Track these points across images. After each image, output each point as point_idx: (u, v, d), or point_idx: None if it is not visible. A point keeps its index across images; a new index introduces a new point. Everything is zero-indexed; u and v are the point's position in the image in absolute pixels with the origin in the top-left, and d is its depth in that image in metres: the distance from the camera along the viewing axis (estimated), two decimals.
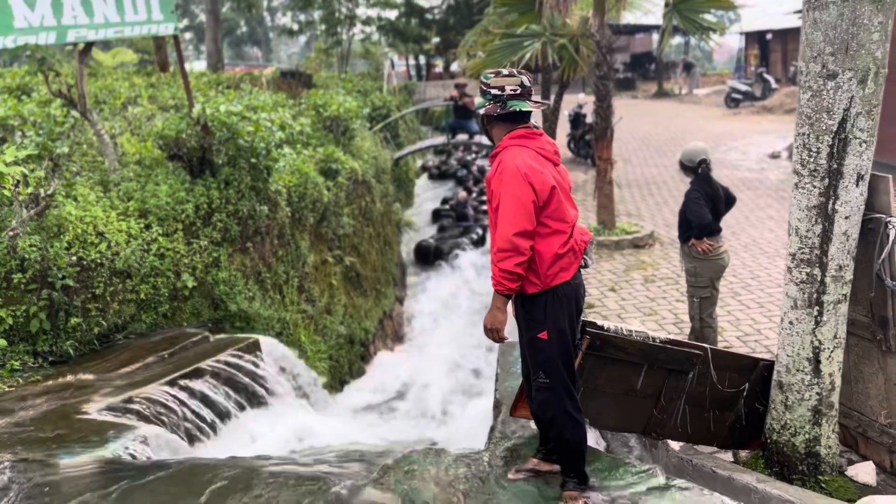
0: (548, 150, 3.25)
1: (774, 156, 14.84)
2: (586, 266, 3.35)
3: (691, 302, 5.47)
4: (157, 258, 6.15)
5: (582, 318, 3.42)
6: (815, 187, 3.56)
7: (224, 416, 5.31)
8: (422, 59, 38.83)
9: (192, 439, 4.87)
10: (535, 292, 3.15)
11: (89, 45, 6.91)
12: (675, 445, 4.17)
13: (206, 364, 5.48)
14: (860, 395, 4.05)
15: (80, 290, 5.69)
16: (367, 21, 32.17)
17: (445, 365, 9.22)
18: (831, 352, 3.72)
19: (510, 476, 3.55)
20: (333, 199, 9.30)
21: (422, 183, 20.36)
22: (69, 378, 5.15)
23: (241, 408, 5.52)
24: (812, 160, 3.55)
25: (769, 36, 30.76)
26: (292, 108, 11.74)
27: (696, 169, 5.42)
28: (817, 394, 3.76)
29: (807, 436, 3.81)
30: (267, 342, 6.21)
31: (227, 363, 5.64)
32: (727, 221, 5.51)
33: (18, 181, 5.44)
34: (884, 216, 3.68)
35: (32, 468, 3.78)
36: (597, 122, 9.80)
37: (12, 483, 3.62)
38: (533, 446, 3.75)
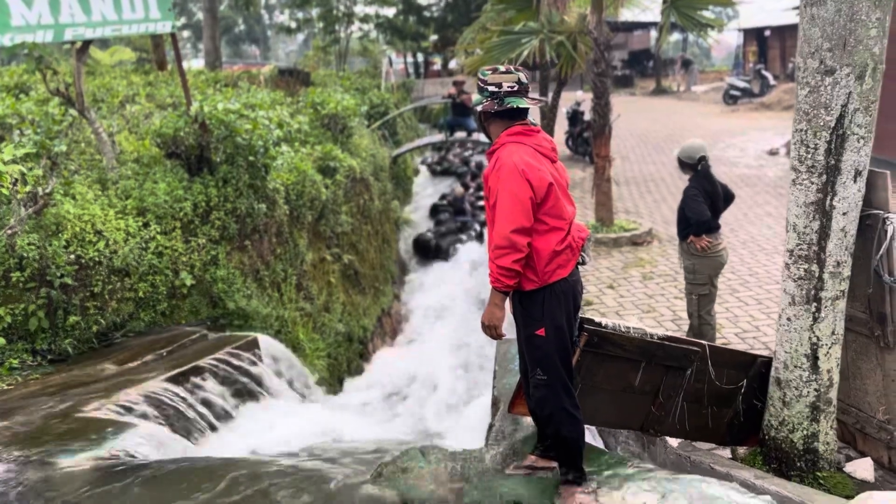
0: (545, 146, 3.26)
1: (773, 152, 14.84)
2: (584, 263, 3.35)
3: (690, 299, 5.48)
4: (156, 256, 6.15)
5: (580, 315, 3.43)
6: (812, 183, 3.57)
7: (222, 413, 5.31)
8: (420, 57, 38.81)
9: (190, 437, 4.87)
10: (533, 289, 3.15)
11: (87, 44, 6.90)
12: (673, 442, 4.18)
13: (205, 362, 5.48)
14: (858, 392, 4.06)
15: (79, 288, 5.69)
16: (365, 18, 32.14)
17: (443, 362, 9.23)
18: (829, 348, 3.73)
19: (508, 472, 3.55)
20: (331, 197, 9.30)
21: (422, 180, 20.38)
22: (68, 376, 5.15)
23: (239, 405, 5.52)
24: (810, 156, 3.55)
25: (767, 32, 30.75)
26: (290, 106, 11.73)
27: (696, 166, 5.42)
28: (815, 390, 3.76)
29: (805, 432, 3.81)
30: (264, 340, 6.21)
31: (226, 361, 5.64)
32: (725, 218, 5.51)
33: (17, 179, 5.43)
34: (882, 212, 3.68)
35: (30, 467, 3.78)
36: (595, 120, 9.80)
37: (10, 482, 3.61)
38: (531, 443, 3.75)
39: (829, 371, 3.76)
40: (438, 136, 17.59)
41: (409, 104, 22.89)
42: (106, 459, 3.89)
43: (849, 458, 4.01)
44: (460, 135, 16.11)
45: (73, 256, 5.66)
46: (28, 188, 5.52)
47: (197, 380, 5.28)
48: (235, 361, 5.74)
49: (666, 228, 9.75)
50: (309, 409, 6.13)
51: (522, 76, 3.26)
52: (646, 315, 6.79)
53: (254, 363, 5.89)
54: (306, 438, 5.22)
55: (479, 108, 3.28)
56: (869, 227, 3.70)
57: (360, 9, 31.32)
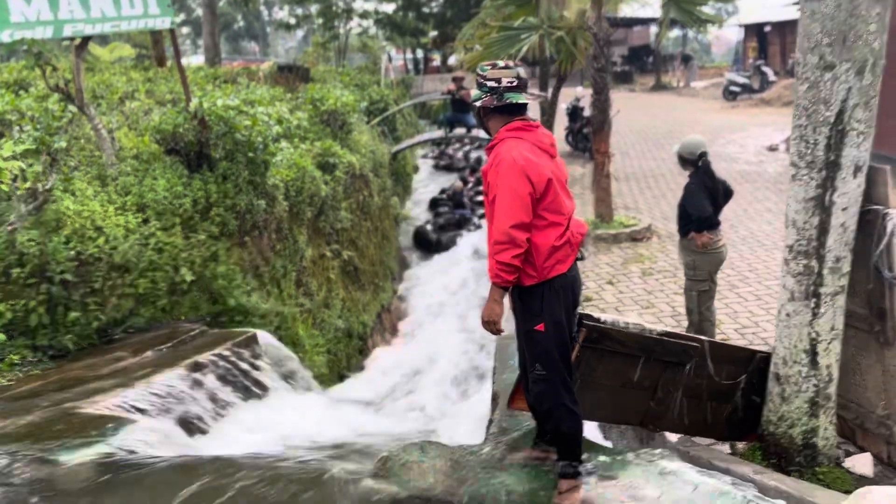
0: (544, 142, 3.26)
1: (772, 148, 14.84)
2: (582, 258, 3.36)
3: (689, 295, 5.48)
4: (156, 252, 6.14)
5: (579, 311, 3.43)
6: (812, 179, 3.57)
7: (223, 408, 5.31)
8: (419, 53, 38.77)
9: (191, 432, 4.88)
10: (532, 284, 3.16)
11: (86, 40, 6.89)
12: (672, 437, 4.19)
13: (205, 358, 5.48)
14: (858, 387, 4.07)
15: (79, 284, 5.69)
16: (365, 15, 32.08)
17: (443, 358, 9.23)
18: (828, 344, 3.73)
19: (507, 465, 3.56)
20: (331, 193, 9.30)
21: (422, 175, 20.46)
22: (68, 372, 5.16)
23: (239, 401, 5.52)
24: (809, 152, 3.55)
25: (768, 28, 30.72)
26: (289, 103, 11.71)
27: (696, 162, 5.41)
28: (814, 385, 3.77)
29: (804, 427, 3.82)
30: (263, 336, 6.21)
31: (226, 357, 5.64)
32: (725, 214, 5.52)
33: (16, 176, 5.43)
34: (882, 208, 3.69)
35: (30, 464, 3.78)
36: (594, 115, 9.80)
37: (9, 480, 3.62)
38: (530, 438, 3.76)
39: (828, 367, 3.77)
40: (438, 133, 17.58)
41: (409, 100, 22.88)
42: (106, 456, 3.89)
43: (848, 454, 4.02)
44: (460, 131, 16.10)
45: (73, 252, 5.66)
46: (28, 184, 5.51)
47: (197, 375, 5.28)
48: (235, 357, 5.74)
49: (665, 224, 9.75)
50: (308, 404, 6.14)
51: (521, 71, 3.27)
52: (645, 311, 6.80)
53: (254, 359, 5.89)
54: (305, 434, 5.22)
55: (478, 104, 3.29)
56: (869, 222, 3.71)
57: (359, 5, 31.31)
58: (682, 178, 5.56)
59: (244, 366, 5.76)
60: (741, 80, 24.81)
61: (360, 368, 9.06)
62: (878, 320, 3.84)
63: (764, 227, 9.45)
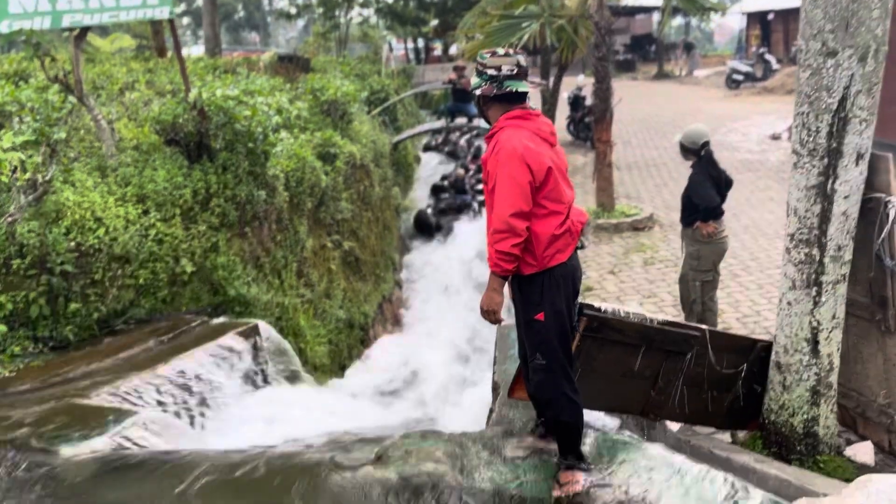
0: (544, 130, 3.23)
1: (775, 137, 14.78)
2: (583, 247, 3.34)
3: (692, 285, 5.45)
4: (156, 243, 6.14)
5: (579, 300, 3.42)
6: (814, 167, 3.55)
7: (223, 399, 5.32)
8: (420, 43, 38.59)
9: (191, 423, 4.89)
10: (532, 273, 3.14)
11: (85, 30, 6.86)
12: (673, 426, 4.19)
13: (206, 348, 5.49)
14: (859, 376, 4.06)
15: (79, 275, 5.69)
16: (365, 4, 31.91)
17: (445, 348, 9.24)
18: (830, 332, 3.72)
19: (507, 455, 3.56)
20: (332, 183, 9.27)
21: (424, 161, 20.50)
22: (69, 363, 5.16)
23: (241, 391, 5.53)
24: (811, 139, 3.53)
25: (771, 16, 30.54)
26: (289, 93, 11.67)
27: (699, 151, 5.38)
28: (815, 374, 3.76)
29: (805, 416, 3.81)
30: (264, 327, 6.21)
31: (227, 347, 5.65)
32: (727, 203, 5.50)
33: (16, 167, 5.41)
34: (883, 196, 3.66)
35: (32, 455, 3.79)
36: (596, 104, 9.76)
37: (10, 471, 3.63)
38: (530, 427, 3.76)
39: (829, 355, 3.76)
40: (439, 123, 17.52)
41: (410, 90, 22.79)
42: (107, 448, 3.90)
43: (849, 442, 4.01)
44: (461, 121, 16.05)
45: (73, 244, 5.66)
46: (27, 175, 5.50)
47: (198, 367, 5.29)
48: (237, 347, 5.74)
49: (667, 213, 9.73)
50: (309, 394, 6.15)
51: (522, 59, 3.24)
52: (646, 300, 6.79)
53: (255, 349, 5.90)
54: (307, 423, 5.23)
55: (477, 92, 3.26)
56: (871, 210, 3.69)
57: None
58: (684, 167, 5.54)
59: (245, 356, 5.76)
60: (744, 68, 24.70)
61: (362, 358, 9.07)
62: (879, 309, 3.83)
63: (766, 215, 9.42)
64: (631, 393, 3.84)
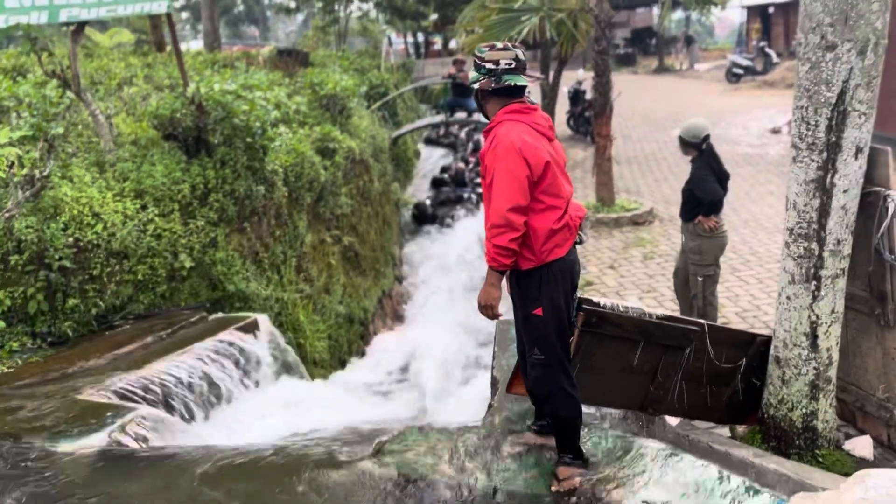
0: (542, 124, 3.22)
1: (775, 131, 14.76)
2: (581, 242, 3.33)
3: (694, 280, 5.42)
4: (154, 239, 6.13)
5: (578, 295, 3.41)
6: (813, 161, 3.53)
7: (222, 395, 5.32)
8: (420, 37, 38.49)
9: (191, 419, 4.89)
10: (530, 268, 3.13)
11: (82, 25, 6.83)
12: (672, 421, 4.18)
13: (205, 344, 5.48)
14: (858, 370, 4.05)
15: (78, 271, 5.68)
16: None
17: (444, 343, 9.24)
18: (829, 326, 3.71)
19: (505, 450, 3.56)
20: (331, 178, 9.26)
21: (424, 154, 20.56)
22: (68, 359, 5.16)
23: (240, 387, 5.53)
24: (810, 133, 3.51)
25: (771, 9, 30.46)
26: (288, 87, 11.64)
27: (700, 145, 5.35)
28: (814, 368, 3.76)
29: (804, 410, 3.81)
30: (264, 321, 6.21)
31: (226, 342, 5.64)
32: (726, 197, 5.49)
33: (13, 162, 5.40)
34: (883, 190, 3.65)
35: (30, 452, 3.79)
36: (596, 99, 9.73)
37: (9, 468, 3.62)
38: (528, 422, 3.76)
39: (828, 349, 3.75)
40: (439, 117, 17.50)
41: (410, 84, 22.72)
42: (104, 444, 3.89)
43: (848, 436, 4.01)
44: (460, 115, 16.03)
45: (71, 239, 5.65)
46: (25, 171, 5.49)
47: (197, 362, 5.28)
48: (236, 343, 5.74)
49: (667, 208, 9.71)
50: (308, 389, 6.15)
51: (520, 53, 3.22)
52: (646, 295, 6.78)
53: (254, 344, 5.90)
54: (306, 418, 5.24)
55: (475, 86, 3.24)
56: (870, 204, 3.68)
57: None
58: (684, 162, 5.52)
59: (244, 352, 5.76)
60: (744, 62, 24.64)
61: (362, 353, 9.07)
62: (878, 303, 3.82)
63: (766, 209, 9.41)
64: (630, 388, 3.84)
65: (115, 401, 4.48)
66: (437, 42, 38.17)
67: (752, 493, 2.95)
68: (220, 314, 6.28)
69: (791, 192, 3.69)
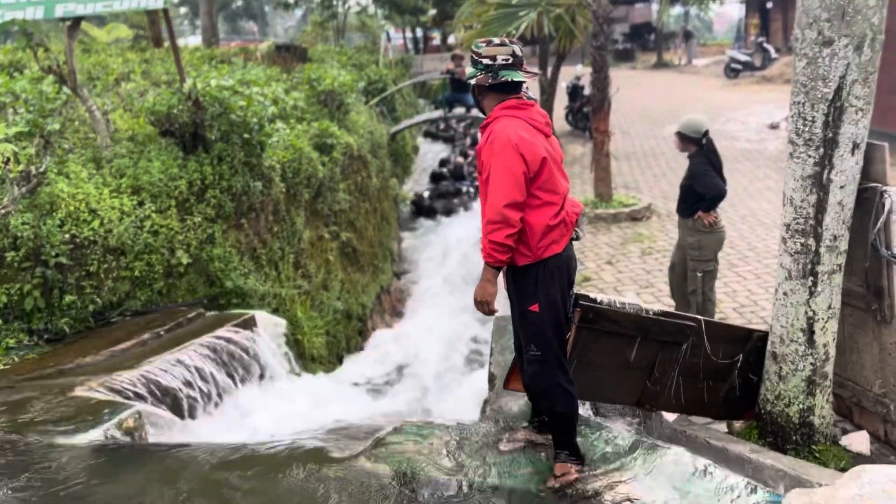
0: (539, 120, 3.21)
1: (774, 126, 14.76)
2: (578, 238, 3.33)
3: (693, 276, 5.41)
4: (151, 235, 6.12)
5: (574, 291, 3.41)
6: (809, 157, 3.52)
7: (220, 391, 5.32)
8: (418, 32, 38.43)
9: (188, 415, 4.89)
10: (526, 264, 3.13)
11: (78, 20, 6.81)
12: (669, 417, 4.18)
13: (203, 340, 5.48)
14: (855, 365, 4.05)
15: (74, 267, 5.67)
16: None
17: (442, 339, 9.25)
18: (825, 322, 3.71)
19: (502, 447, 3.56)
20: (329, 174, 9.25)
21: (424, 148, 20.64)
22: (64, 356, 5.15)
23: (237, 383, 5.53)
24: (807, 129, 3.51)
25: (770, 5, 30.43)
26: (286, 83, 11.62)
27: (700, 140, 5.33)
28: (811, 364, 3.75)
29: (801, 406, 3.81)
30: (262, 317, 6.21)
31: (224, 339, 5.64)
32: None
33: (9, 158, 5.39)
34: (879, 185, 3.64)
35: (28, 448, 3.78)
36: (594, 94, 9.72)
37: (6, 465, 3.62)
38: (525, 418, 3.76)
39: (825, 345, 3.75)
40: (437, 113, 17.48)
41: (408, 80, 22.70)
42: (101, 440, 3.89)
43: (845, 432, 4.01)
44: (459, 111, 16.00)
45: (67, 236, 5.64)
46: (21, 167, 5.47)
47: (195, 358, 5.28)
48: (234, 339, 5.74)
49: (665, 203, 9.71)
50: (306, 386, 6.15)
51: (517, 49, 3.21)
52: (644, 290, 6.78)
53: (252, 341, 5.89)
54: (304, 415, 5.24)
55: (472, 82, 3.23)
56: (866, 200, 3.67)
57: None
58: (682, 157, 5.51)
59: (243, 347, 5.76)
60: (743, 57, 24.62)
61: (360, 350, 9.07)
62: (875, 298, 3.82)
63: (764, 205, 9.40)
64: (627, 384, 3.83)
65: (112, 397, 4.48)
66: (436, 37, 38.10)
67: (750, 489, 2.96)
68: (220, 311, 6.27)
69: (788, 187, 3.68)
